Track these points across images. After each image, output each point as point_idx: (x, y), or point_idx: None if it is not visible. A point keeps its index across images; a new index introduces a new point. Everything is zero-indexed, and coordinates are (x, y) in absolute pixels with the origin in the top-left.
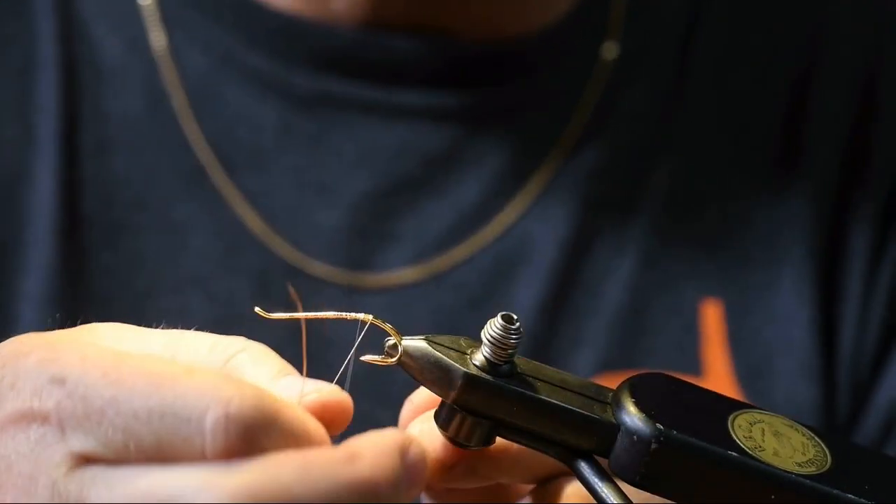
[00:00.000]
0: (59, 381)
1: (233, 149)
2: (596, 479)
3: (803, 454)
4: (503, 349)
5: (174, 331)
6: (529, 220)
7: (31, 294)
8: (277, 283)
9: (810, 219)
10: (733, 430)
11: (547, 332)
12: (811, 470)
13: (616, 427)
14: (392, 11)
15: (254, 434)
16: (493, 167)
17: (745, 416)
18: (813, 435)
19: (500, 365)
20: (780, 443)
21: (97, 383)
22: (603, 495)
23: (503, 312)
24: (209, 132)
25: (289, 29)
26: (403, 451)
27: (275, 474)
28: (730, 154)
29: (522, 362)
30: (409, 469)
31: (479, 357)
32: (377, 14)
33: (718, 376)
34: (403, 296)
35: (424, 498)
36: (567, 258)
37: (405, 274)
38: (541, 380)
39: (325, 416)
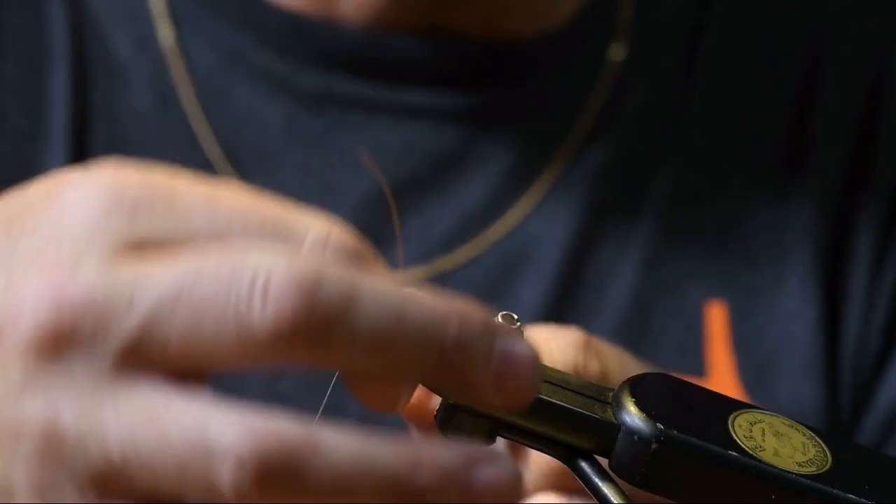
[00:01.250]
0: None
1: (241, 146)
2: (596, 479)
3: (804, 454)
4: None
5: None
6: (535, 220)
7: None
8: None
9: (815, 219)
10: (734, 429)
11: None
12: (811, 470)
13: (616, 427)
14: (399, 12)
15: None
16: (499, 168)
17: (745, 415)
18: (813, 435)
19: None
20: (780, 443)
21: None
22: (604, 495)
23: (504, 312)
24: (218, 129)
25: (296, 28)
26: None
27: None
28: (735, 155)
29: None
30: None
31: None
32: (384, 14)
33: (722, 377)
34: None
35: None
36: (571, 259)
37: (409, 275)
38: (541, 379)
39: None
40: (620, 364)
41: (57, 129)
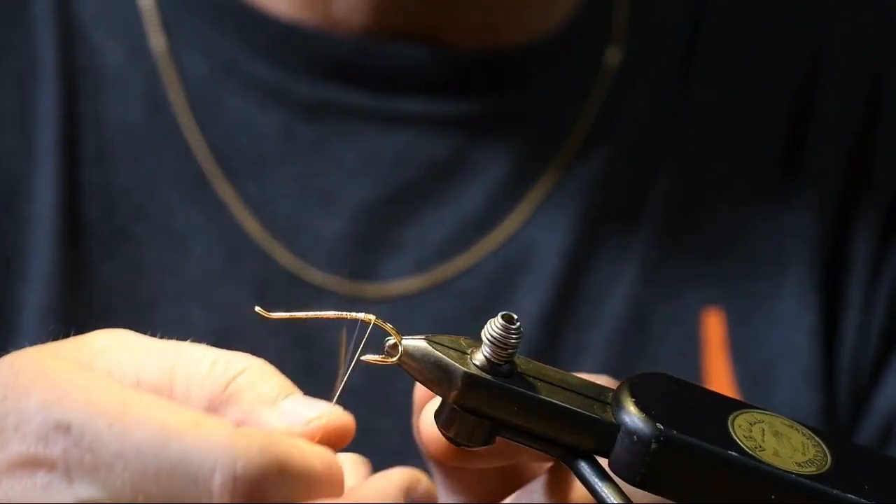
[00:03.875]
0: (65, 428)
1: (234, 156)
2: (596, 479)
3: (803, 454)
4: (503, 349)
5: (172, 344)
6: (532, 228)
7: (32, 304)
8: (278, 292)
9: (814, 226)
10: (733, 429)
11: (549, 341)
12: (811, 470)
13: (616, 427)
14: (393, 19)
15: (261, 489)
16: (496, 175)
17: (745, 415)
18: (813, 435)
19: (501, 365)
20: (780, 443)
21: (103, 434)
22: (603, 495)
23: (503, 312)
24: (210, 140)
25: (290, 37)
26: (410, 492)
27: None
28: (733, 161)
29: (522, 362)
30: None
31: (480, 357)
32: (378, 22)
33: (720, 385)
34: (405, 305)
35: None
36: (569, 267)
37: (407, 283)
38: (541, 380)
39: (329, 439)
40: None
41: (46, 144)
